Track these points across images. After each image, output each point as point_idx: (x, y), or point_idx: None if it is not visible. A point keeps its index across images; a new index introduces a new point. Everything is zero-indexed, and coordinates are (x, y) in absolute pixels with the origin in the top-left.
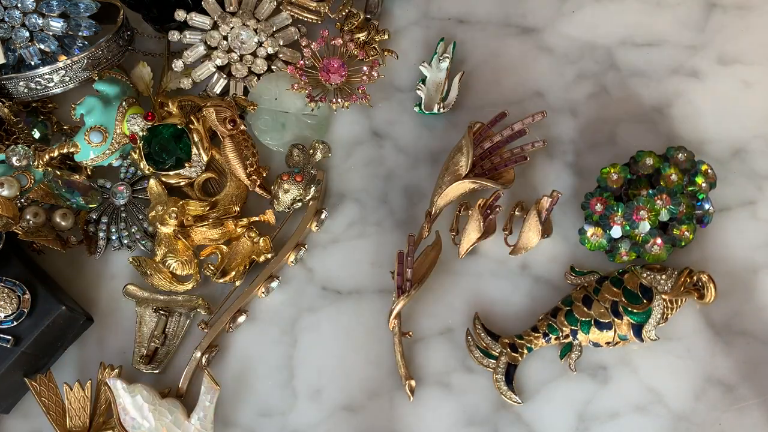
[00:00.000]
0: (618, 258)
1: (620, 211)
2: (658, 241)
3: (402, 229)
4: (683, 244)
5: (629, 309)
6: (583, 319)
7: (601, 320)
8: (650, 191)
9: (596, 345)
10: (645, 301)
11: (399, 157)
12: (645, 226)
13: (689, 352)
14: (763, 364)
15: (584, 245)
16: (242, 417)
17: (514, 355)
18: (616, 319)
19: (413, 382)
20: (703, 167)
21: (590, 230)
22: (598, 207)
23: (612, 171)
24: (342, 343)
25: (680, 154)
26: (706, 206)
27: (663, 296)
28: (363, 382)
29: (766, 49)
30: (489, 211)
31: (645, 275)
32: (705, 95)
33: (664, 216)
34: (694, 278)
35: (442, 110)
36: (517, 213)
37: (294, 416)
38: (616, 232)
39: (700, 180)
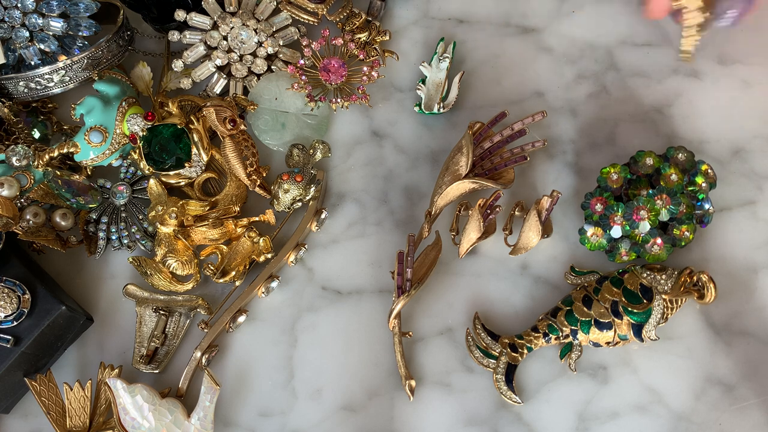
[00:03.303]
0: (618, 258)
1: (620, 211)
2: (658, 241)
3: (402, 229)
4: (683, 244)
5: (629, 309)
6: (583, 319)
7: (601, 320)
8: (650, 191)
9: (596, 345)
10: (645, 301)
11: (399, 157)
12: (645, 226)
13: (689, 351)
14: (763, 364)
15: (584, 245)
16: (242, 417)
17: (514, 355)
18: (616, 319)
19: (413, 382)
20: (703, 167)
21: (590, 230)
22: (598, 207)
23: (612, 171)
24: (342, 342)
25: (680, 154)
26: (706, 206)
27: (663, 296)
28: (363, 382)
29: (766, 49)
30: (489, 211)
31: (645, 275)
32: (705, 95)
33: (664, 216)
34: (694, 278)
35: (442, 110)
36: (517, 213)
37: (294, 416)
38: (616, 232)
39: (700, 180)
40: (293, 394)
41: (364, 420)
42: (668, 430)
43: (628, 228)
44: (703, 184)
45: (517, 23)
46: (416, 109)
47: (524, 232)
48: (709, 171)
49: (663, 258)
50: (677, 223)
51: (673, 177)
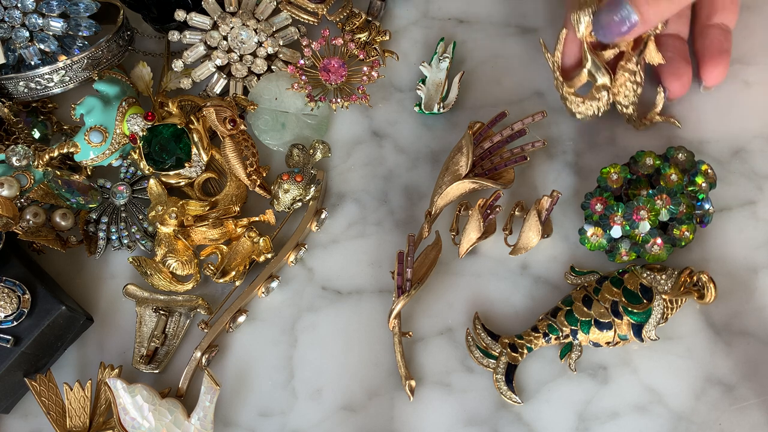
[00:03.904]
0: (618, 258)
1: (620, 211)
2: (658, 241)
3: (402, 229)
4: (683, 244)
5: (629, 309)
6: (583, 319)
7: (601, 320)
8: (650, 191)
9: (596, 345)
10: (645, 301)
11: (399, 157)
12: (645, 226)
13: (689, 352)
14: (763, 364)
15: (584, 245)
16: (242, 417)
17: (514, 355)
18: (616, 319)
19: (413, 382)
20: (703, 167)
21: (590, 230)
22: (598, 207)
23: (612, 171)
24: (342, 343)
25: (680, 154)
26: (706, 206)
27: (663, 296)
28: (363, 382)
29: (766, 49)
30: (489, 211)
31: (645, 275)
32: (705, 95)
33: (664, 216)
34: (694, 278)
35: (442, 110)
36: (517, 213)
37: (294, 416)
38: (616, 232)
39: (700, 180)
40: (293, 394)
41: (364, 420)
42: (668, 430)
43: (628, 228)
44: (703, 184)
45: (517, 23)
46: (416, 109)
47: (524, 232)
48: (709, 171)
49: (663, 258)
50: (677, 223)
51: (673, 177)
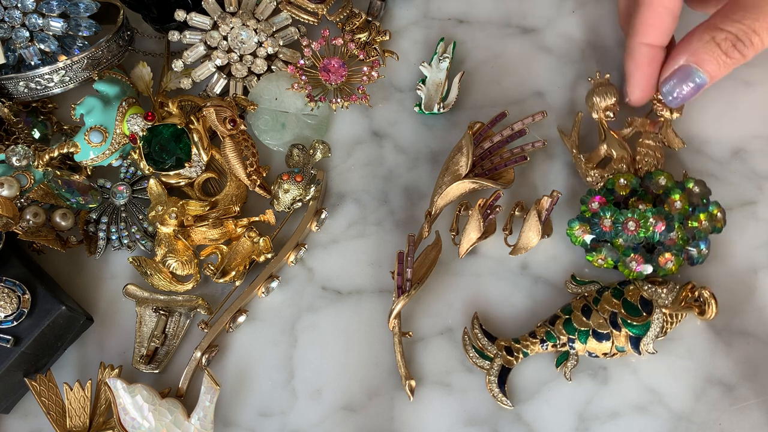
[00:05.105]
0: (594, 260)
1: (610, 215)
2: (638, 258)
3: (402, 229)
4: (661, 273)
5: (628, 321)
6: (582, 328)
7: (599, 331)
8: (649, 208)
9: (593, 355)
10: (644, 314)
11: (399, 157)
12: (630, 239)
13: (689, 352)
14: (763, 364)
15: (569, 238)
16: (242, 417)
17: (509, 358)
18: (614, 331)
19: (413, 382)
20: (715, 210)
21: (578, 225)
22: (595, 205)
23: (621, 177)
24: (342, 342)
25: (696, 187)
26: (702, 246)
27: (663, 310)
28: (363, 382)
29: (766, 49)
30: (489, 211)
31: (646, 288)
32: (705, 95)
33: (653, 237)
34: (696, 293)
35: (442, 110)
36: (517, 213)
37: (294, 416)
38: (601, 234)
39: (703, 217)
40: (293, 394)
41: (364, 420)
42: (668, 430)
43: (613, 235)
44: (705, 223)
45: (517, 23)
46: (416, 109)
47: (524, 232)
48: (719, 215)
49: (640, 277)
50: (664, 249)
51: (677, 204)
